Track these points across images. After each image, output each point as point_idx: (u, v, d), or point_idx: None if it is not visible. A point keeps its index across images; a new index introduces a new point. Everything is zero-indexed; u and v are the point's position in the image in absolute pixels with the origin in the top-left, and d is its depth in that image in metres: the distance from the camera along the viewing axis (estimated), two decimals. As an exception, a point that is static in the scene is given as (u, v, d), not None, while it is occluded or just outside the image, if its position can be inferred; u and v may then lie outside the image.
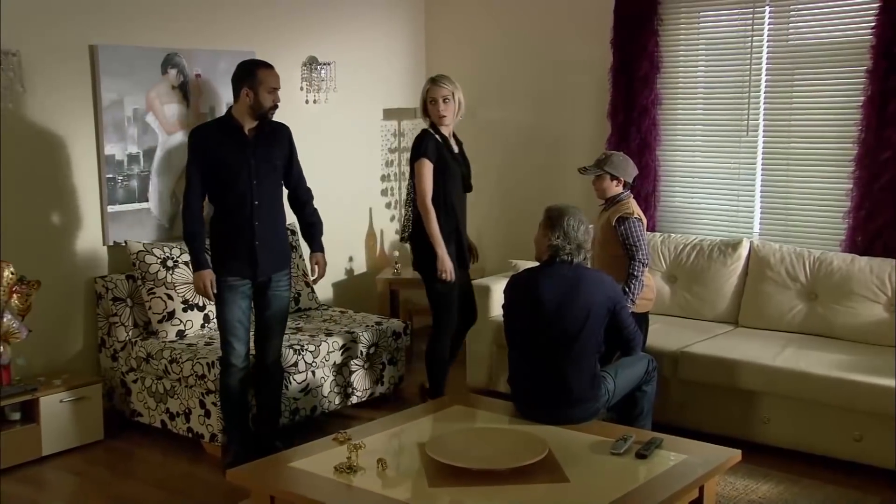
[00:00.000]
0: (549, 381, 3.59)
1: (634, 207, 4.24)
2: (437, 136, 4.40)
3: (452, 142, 4.48)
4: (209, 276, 3.87)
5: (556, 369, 3.59)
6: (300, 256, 5.17)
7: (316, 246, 4.20)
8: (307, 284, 5.13)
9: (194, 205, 3.88)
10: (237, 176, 3.88)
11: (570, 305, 3.58)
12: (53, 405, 4.16)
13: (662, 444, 3.37)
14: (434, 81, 4.42)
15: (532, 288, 3.68)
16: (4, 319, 4.05)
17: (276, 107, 3.94)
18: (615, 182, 4.24)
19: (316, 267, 4.19)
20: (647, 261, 4.16)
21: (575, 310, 3.58)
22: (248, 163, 3.89)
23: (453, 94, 4.39)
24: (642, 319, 4.25)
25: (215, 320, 4.13)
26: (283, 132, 4.07)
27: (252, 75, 3.86)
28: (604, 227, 4.26)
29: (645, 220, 4.27)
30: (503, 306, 3.85)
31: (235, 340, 3.93)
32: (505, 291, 3.86)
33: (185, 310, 4.46)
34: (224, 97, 4.91)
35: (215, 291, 3.89)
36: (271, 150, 3.98)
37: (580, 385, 3.59)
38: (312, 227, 4.20)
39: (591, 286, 3.62)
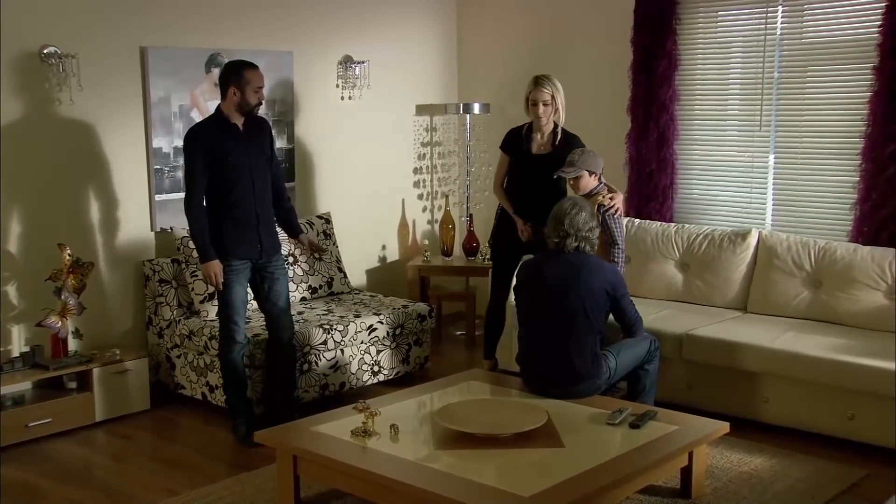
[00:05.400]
0: (554, 359, 3.87)
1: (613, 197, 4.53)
2: (520, 132, 4.83)
3: (545, 139, 4.79)
4: (219, 266, 4.15)
5: (560, 347, 3.86)
6: (334, 244, 5.51)
7: (298, 229, 4.53)
8: (339, 270, 5.47)
9: (199, 201, 4.14)
10: (241, 169, 4.16)
11: (570, 288, 3.86)
12: (106, 376, 4.54)
13: (656, 417, 3.62)
14: (536, 83, 4.72)
15: (538, 271, 3.97)
16: (62, 297, 4.45)
17: (260, 104, 4.21)
18: (593, 176, 4.51)
19: (310, 246, 4.48)
20: (623, 247, 4.47)
21: (575, 292, 3.85)
22: (247, 156, 4.19)
23: (553, 97, 4.71)
24: None
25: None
26: (266, 126, 4.37)
27: (239, 75, 4.12)
28: None
29: (622, 209, 4.54)
30: (514, 288, 4.14)
31: (239, 318, 4.25)
32: (517, 275, 4.16)
33: (224, 291, 4.82)
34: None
35: (223, 280, 4.17)
36: (261, 143, 4.29)
37: (582, 363, 3.86)
38: (291, 211, 4.52)
39: (590, 272, 3.90)
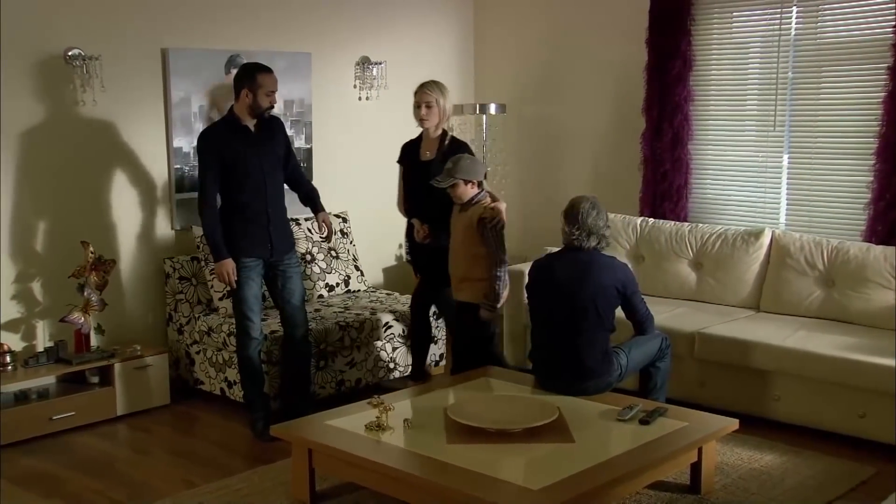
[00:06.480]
0: (565, 356, 3.92)
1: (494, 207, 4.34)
2: (412, 143, 4.83)
3: (433, 145, 4.74)
4: (231, 265, 4.22)
5: (571, 345, 3.91)
6: (351, 242, 5.58)
7: (319, 206, 4.54)
8: (356, 268, 5.54)
9: (212, 202, 4.22)
10: (252, 170, 4.23)
11: (581, 286, 3.91)
12: (127, 371, 4.64)
13: (666, 413, 3.67)
14: (421, 86, 4.72)
15: (549, 269, 4.03)
16: (85, 293, 4.55)
17: (272, 107, 4.27)
18: (469, 185, 4.32)
19: (324, 224, 4.50)
20: (507, 261, 4.31)
21: (585, 290, 3.90)
22: (259, 157, 4.26)
23: (437, 101, 4.67)
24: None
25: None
26: (279, 125, 4.43)
27: (252, 78, 4.19)
28: (465, 227, 4.35)
29: (504, 220, 4.33)
30: (526, 286, 4.19)
31: (253, 315, 4.32)
32: (528, 273, 4.21)
33: (243, 288, 4.89)
34: (280, 94, 5.32)
35: (236, 278, 4.24)
36: (274, 143, 4.35)
37: (593, 360, 3.90)
38: (313, 192, 4.56)
39: (601, 270, 3.95)
